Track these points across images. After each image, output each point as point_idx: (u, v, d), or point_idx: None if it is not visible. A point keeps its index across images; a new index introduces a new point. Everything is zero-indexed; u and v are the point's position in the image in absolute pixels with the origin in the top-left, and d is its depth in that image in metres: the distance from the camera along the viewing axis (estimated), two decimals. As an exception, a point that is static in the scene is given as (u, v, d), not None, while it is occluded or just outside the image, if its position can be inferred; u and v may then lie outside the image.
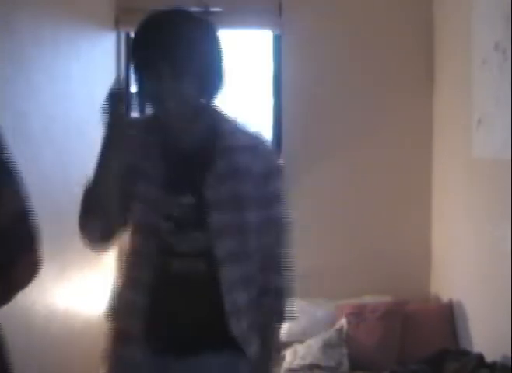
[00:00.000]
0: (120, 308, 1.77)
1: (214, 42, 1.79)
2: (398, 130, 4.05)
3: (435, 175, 3.99)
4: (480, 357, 2.85)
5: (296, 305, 3.97)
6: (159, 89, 1.67)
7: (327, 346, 3.52)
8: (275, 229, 1.79)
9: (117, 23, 4.10)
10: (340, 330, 3.60)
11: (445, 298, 3.74)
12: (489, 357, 2.84)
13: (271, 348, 1.82)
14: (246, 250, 1.74)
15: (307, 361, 3.48)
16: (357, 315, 3.65)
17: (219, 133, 1.74)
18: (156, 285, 1.71)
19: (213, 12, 4.50)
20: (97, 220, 1.67)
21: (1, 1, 2.47)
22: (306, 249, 4.05)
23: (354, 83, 4.02)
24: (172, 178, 1.71)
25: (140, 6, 4.17)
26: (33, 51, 2.84)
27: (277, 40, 4.15)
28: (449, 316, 3.59)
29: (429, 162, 4.02)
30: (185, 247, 1.70)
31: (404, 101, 4.04)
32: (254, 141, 1.78)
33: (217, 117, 1.78)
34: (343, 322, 3.63)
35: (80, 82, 3.46)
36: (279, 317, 1.84)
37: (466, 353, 2.98)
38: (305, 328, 3.70)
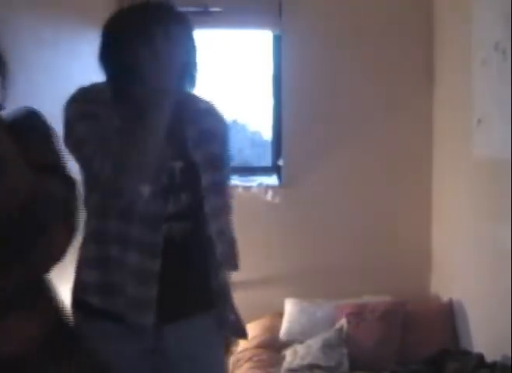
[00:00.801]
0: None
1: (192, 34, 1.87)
2: (398, 130, 4.05)
3: (435, 174, 3.99)
4: (480, 357, 2.85)
5: (297, 305, 3.97)
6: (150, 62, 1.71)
7: (327, 346, 3.52)
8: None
9: (117, 23, 4.09)
10: (340, 330, 3.60)
11: (445, 298, 3.74)
12: (489, 357, 2.84)
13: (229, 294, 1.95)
14: (222, 206, 1.93)
15: (307, 361, 3.48)
16: (357, 315, 3.65)
17: (185, 104, 1.87)
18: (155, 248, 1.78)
19: (213, 12, 4.52)
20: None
21: (1, 1, 2.47)
22: (306, 249, 4.06)
23: (354, 83, 4.02)
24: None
25: (140, 6, 4.18)
26: (33, 51, 2.84)
27: (277, 40, 4.15)
28: (449, 316, 3.59)
29: (429, 162, 4.02)
30: (174, 208, 1.80)
31: (404, 101, 4.04)
32: (212, 106, 1.97)
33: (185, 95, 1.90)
34: (343, 322, 3.63)
35: (80, 82, 3.45)
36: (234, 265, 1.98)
37: (466, 353, 2.98)
38: (305, 328, 3.70)
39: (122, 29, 1.91)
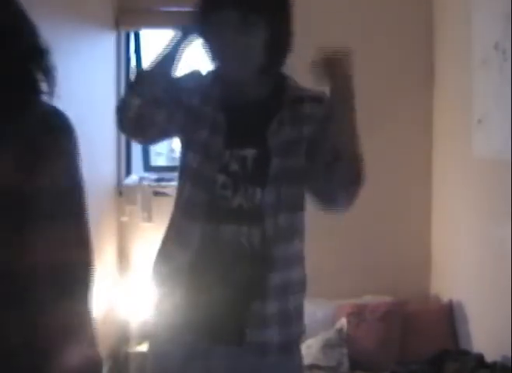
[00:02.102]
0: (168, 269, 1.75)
1: (289, 5, 1.74)
2: (398, 130, 4.05)
3: (435, 174, 3.99)
4: (480, 357, 2.86)
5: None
6: (231, 39, 1.65)
7: (328, 346, 3.52)
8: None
9: (117, 23, 4.10)
10: (340, 330, 3.60)
11: (445, 298, 3.74)
12: (489, 357, 2.84)
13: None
14: (296, 202, 1.82)
15: (307, 361, 3.47)
16: (357, 315, 3.65)
17: (283, 88, 1.76)
18: (203, 246, 1.69)
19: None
20: (140, 97, 1.69)
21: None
22: (306, 249, 4.05)
23: (354, 83, 4.01)
24: (234, 130, 1.71)
25: (140, 6, 4.19)
26: (33, 51, 2.84)
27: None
28: (449, 316, 3.59)
29: (429, 162, 4.02)
30: (239, 202, 1.70)
31: (404, 101, 4.04)
32: (318, 94, 1.78)
33: (282, 77, 1.79)
34: (343, 322, 3.63)
35: (80, 82, 3.46)
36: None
37: (466, 354, 2.98)
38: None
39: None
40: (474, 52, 3.22)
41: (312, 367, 3.45)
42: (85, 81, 3.56)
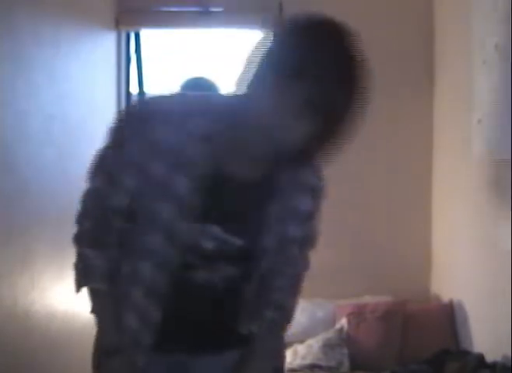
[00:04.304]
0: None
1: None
2: (398, 130, 4.05)
3: (435, 174, 3.99)
4: (480, 357, 2.85)
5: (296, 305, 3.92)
6: (297, 115, 1.35)
7: (328, 346, 3.52)
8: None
9: (118, 23, 4.10)
10: (340, 330, 3.60)
11: (445, 298, 3.74)
12: (490, 357, 2.84)
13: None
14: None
15: (307, 361, 3.48)
16: (357, 315, 3.65)
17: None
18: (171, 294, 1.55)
19: (213, 12, 4.52)
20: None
21: (1, 1, 2.47)
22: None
23: (354, 83, 4.01)
24: (218, 206, 1.51)
25: (140, 6, 4.19)
26: (34, 51, 2.84)
27: (277, 40, 4.15)
28: (449, 316, 3.59)
29: (429, 162, 4.02)
30: (213, 278, 1.55)
31: (404, 101, 4.04)
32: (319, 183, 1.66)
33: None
34: (343, 322, 3.63)
35: (80, 82, 3.46)
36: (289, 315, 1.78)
37: (466, 353, 2.97)
38: (305, 328, 3.70)
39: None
40: (474, 52, 3.22)
41: (312, 367, 3.45)
42: (86, 81, 3.56)
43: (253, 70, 1.38)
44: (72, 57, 3.36)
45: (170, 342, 1.60)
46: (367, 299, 3.82)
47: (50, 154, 2.98)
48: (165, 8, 4.18)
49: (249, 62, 1.40)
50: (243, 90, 1.39)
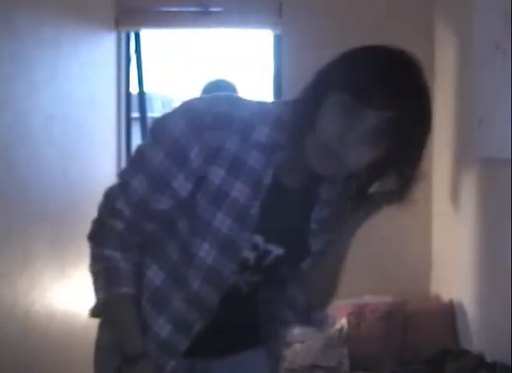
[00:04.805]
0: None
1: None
2: (398, 130, 4.04)
3: (435, 174, 3.98)
4: (480, 357, 2.85)
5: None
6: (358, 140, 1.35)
7: (328, 346, 3.52)
8: None
9: (118, 23, 4.10)
10: (340, 330, 3.60)
11: (445, 298, 3.74)
12: (490, 357, 2.84)
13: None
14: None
15: (307, 361, 3.48)
16: (357, 315, 3.65)
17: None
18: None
19: (213, 12, 4.53)
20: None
21: (1, 1, 2.47)
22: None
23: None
24: (269, 220, 1.48)
25: (140, 6, 4.19)
26: (34, 51, 2.85)
27: (277, 40, 4.15)
28: (449, 316, 3.59)
29: (429, 162, 4.01)
30: (237, 281, 1.56)
31: (404, 101, 4.03)
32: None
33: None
34: (343, 322, 3.63)
35: (80, 82, 3.46)
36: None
37: (466, 353, 2.97)
38: (305, 328, 3.69)
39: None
40: (474, 52, 3.22)
41: (312, 367, 3.45)
42: (86, 81, 3.56)
43: (321, 86, 1.43)
44: (72, 58, 3.37)
45: (200, 346, 1.57)
46: (367, 299, 3.81)
47: (50, 154, 2.99)
48: (165, 8, 4.18)
49: (318, 77, 1.46)
50: (305, 102, 1.41)
